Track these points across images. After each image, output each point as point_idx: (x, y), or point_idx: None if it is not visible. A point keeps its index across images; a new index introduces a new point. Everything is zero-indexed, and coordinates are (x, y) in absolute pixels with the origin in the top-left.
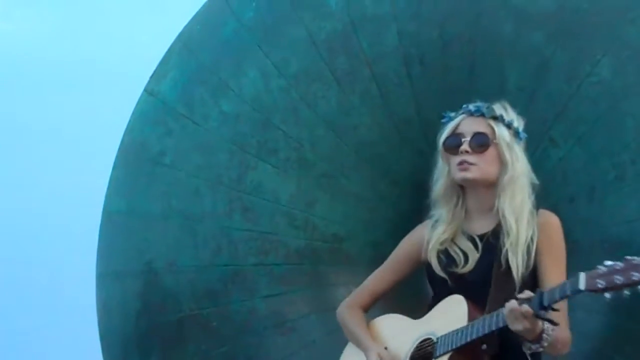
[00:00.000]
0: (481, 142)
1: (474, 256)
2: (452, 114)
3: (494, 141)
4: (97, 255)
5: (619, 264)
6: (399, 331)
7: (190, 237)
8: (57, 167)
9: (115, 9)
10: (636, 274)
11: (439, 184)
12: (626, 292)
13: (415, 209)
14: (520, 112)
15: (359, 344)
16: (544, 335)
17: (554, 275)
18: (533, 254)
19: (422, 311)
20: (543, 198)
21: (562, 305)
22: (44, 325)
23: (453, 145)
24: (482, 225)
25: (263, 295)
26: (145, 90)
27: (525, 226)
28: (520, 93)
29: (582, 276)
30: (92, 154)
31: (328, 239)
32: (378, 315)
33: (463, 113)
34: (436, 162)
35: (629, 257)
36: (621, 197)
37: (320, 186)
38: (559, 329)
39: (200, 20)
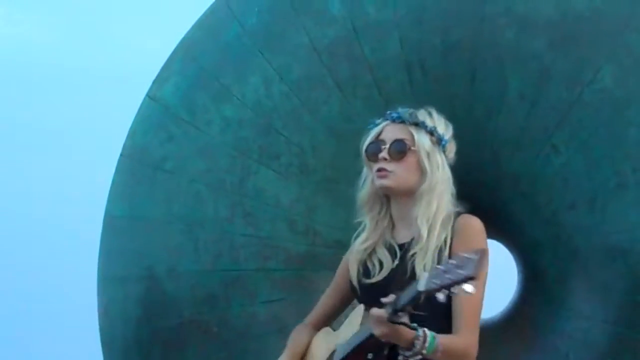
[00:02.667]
0: (399, 149)
1: (388, 265)
2: (378, 121)
3: (412, 148)
4: (99, 259)
5: (453, 262)
6: (322, 345)
7: (192, 242)
8: (59, 171)
9: (118, 14)
10: (461, 271)
11: (363, 191)
12: (454, 290)
13: None
14: (522, 119)
15: None
16: (416, 342)
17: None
18: (445, 260)
19: None
20: (544, 204)
21: (465, 310)
22: (45, 330)
23: (373, 151)
24: (404, 235)
25: (263, 301)
26: (147, 95)
27: (438, 232)
28: (522, 100)
29: (425, 276)
30: (93, 159)
31: (330, 245)
32: None
33: (387, 119)
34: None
35: (463, 254)
36: (622, 205)
37: (321, 192)
38: (451, 338)
39: (202, 25)
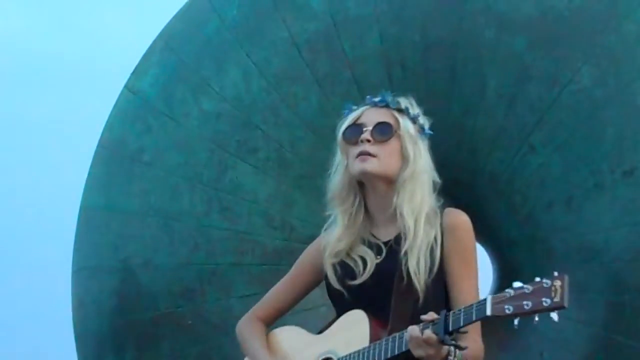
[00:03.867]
0: (384, 132)
1: (372, 263)
2: (355, 107)
3: (398, 132)
4: (74, 251)
5: (528, 287)
6: (300, 347)
7: (168, 235)
8: (35, 162)
9: (96, 3)
10: (546, 299)
11: (335, 181)
12: (536, 318)
13: None
14: (501, 118)
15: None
16: (450, 357)
17: (464, 281)
18: (438, 259)
19: (324, 325)
20: (521, 203)
21: None
22: (18, 322)
23: (353, 135)
24: (386, 231)
25: (239, 295)
26: (125, 87)
27: (426, 227)
28: (501, 99)
29: (489, 300)
30: (70, 150)
31: (306, 241)
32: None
33: (367, 104)
34: (334, 156)
35: (538, 279)
36: (599, 206)
37: (299, 187)
38: (469, 347)
39: (182, 18)
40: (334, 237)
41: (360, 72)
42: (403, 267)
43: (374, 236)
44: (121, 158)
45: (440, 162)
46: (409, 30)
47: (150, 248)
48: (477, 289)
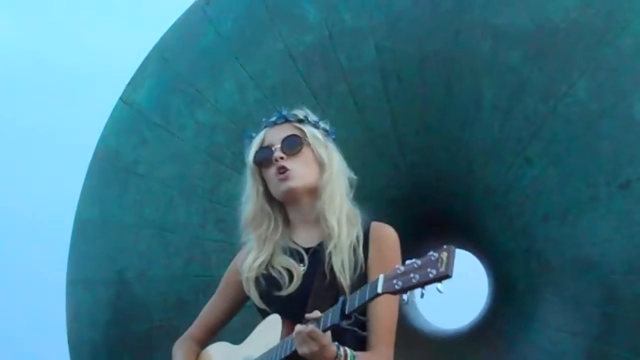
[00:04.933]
0: (293, 144)
1: (298, 272)
2: (254, 134)
3: (306, 139)
4: (68, 262)
5: (418, 262)
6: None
7: (163, 247)
8: (29, 172)
9: (92, 15)
10: (432, 270)
11: (247, 209)
12: (422, 290)
13: (389, 224)
14: (496, 130)
15: None
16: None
17: None
18: (361, 257)
19: None
20: (517, 216)
21: (382, 326)
22: (12, 332)
23: (264, 157)
24: (309, 238)
25: None
26: (120, 98)
27: (348, 226)
28: (496, 111)
29: (381, 278)
30: (65, 161)
31: None
32: None
33: (265, 127)
34: (243, 188)
35: (428, 253)
36: (594, 218)
37: None
38: (370, 356)
39: (178, 29)
40: (249, 261)
41: (356, 84)
42: (326, 267)
43: (295, 242)
44: (116, 170)
45: (436, 174)
46: (405, 43)
47: (145, 260)
48: (396, 300)
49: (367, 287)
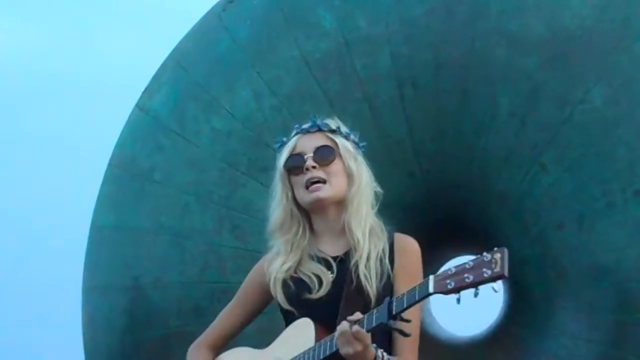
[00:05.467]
0: (326, 154)
1: (327, 279)
2: (285, 139)
3: (338, 151)
4: (84, 269)
5: (470, 263)
6: None
7: (179, 253)
8: (45, 179)
9: (108, 22)
10: (487, 270)
11: (276, 214)
12: (476, 290)
13: (404, 231)
14: (512, 137)
15: None
16: None
17: None
18: (387, 268)
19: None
20: (532, 223)
21: (412, 330)
22: (28, 338)
23: (296, 164)
24: (335, 247)
25: None
26: (136, 105)
27: (374, 239)
28: (512, 118)
29: (431, 279)
30: (81, 168)
31: None
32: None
33: (297, 133)
34: (271, 191)
35: (480, 254)
36: (610, 225)
37: None
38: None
39: (194, 37)
40: (278, 264)
41: (372, 91)
42: (353, 275)
43: (321, 252)
44: (132, 176)
45: (451, 181)
46: (420, 50)
47: (161, 266)
48: (420, 310)
49: (416, 288)
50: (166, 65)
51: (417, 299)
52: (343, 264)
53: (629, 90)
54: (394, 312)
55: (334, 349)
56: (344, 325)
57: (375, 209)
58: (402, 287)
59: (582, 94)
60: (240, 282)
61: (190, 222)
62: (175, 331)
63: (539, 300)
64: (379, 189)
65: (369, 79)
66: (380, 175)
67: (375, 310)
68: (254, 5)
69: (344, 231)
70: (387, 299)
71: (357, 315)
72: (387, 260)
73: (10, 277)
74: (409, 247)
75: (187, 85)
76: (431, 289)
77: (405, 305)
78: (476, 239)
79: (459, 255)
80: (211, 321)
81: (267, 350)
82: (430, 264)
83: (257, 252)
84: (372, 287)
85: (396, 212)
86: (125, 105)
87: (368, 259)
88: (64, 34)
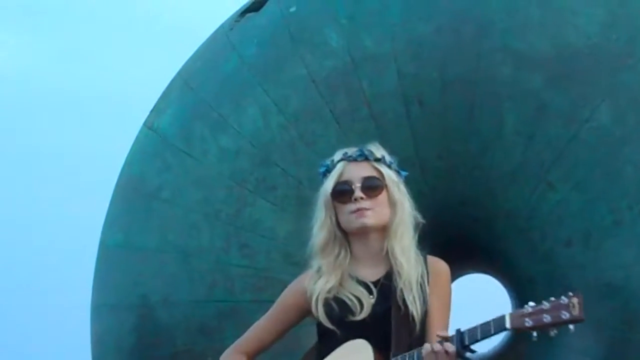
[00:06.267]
0: (373, 186)
1: (368, 302)
2: (328, 162)
3: (385, 182)
4: (93, 288)
5: (546, 304)
6: None
7: (186, 272)
8: (54, 197)
9: (115, 41)
10: (565, 313)
11: (321, 236)
12: (554, 331)
13: None
14: (519, 155)
15: None
16: None
17: (440, 320)
18: (427, 292)
19: (305, 356)
20: (539, 240)
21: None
22: (37, 357)
23: (344, 193)
24: (374, 272)
25: None
26: (144, 124)
27: (415, 265)
28: (518, 136)
29: (508, 315)
30: (88, 188)
31: None
32: None
33: (342, 160)
34: (314, 213)
35: (553, 298)
36: (618, 243)
37: None
38: None
39: (201, 55)
40: (321, 284)
41: (378, 109)
42: (399, 300)
43: (360, 276)
44: (140, 195)
45: (458, 199)
46: (426, 68)
47: (168, 285)
48: (448, 327)
49: (491, 323)
50: (173, 84)
51: (492, 332)
52: (384, 288)
53: (636, 108)
54: (466, 343)
55: None
56: (436, 345)
57: (416, 236)
58: (434, 308)
59: (588, 112)
60: (248, 301)
61: (198, 241)
62: (182, 349)
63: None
64: (419, 218)
65: (376, 97)
66: None
67: (453, 336)
68: (261, 24)
69: (382, 257)
70: (456, 330)
71: (445, 332)
72: (426, 286)
73: (13, 299)
74: (443, 270)
75: (195, 103)
76: (508, 325)
77: (479, 338)
78: (484, 255)
79: (467, 273)
80: (220, 339)
81: None
82: None
83: (264, 270)
84: (417, 312)
85: None
86: (133, 124)
87: (412, 284)
88: (71, 52)
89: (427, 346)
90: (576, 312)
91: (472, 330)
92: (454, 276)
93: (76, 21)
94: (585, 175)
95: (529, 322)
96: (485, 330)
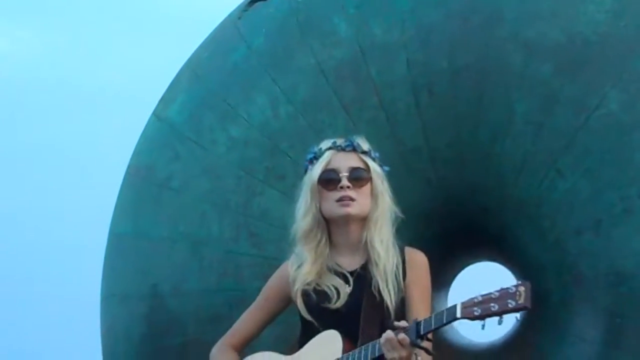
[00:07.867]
0: (360, 177)
1: (344, 290)
2: (316, 149)
3: (370, 174)
4: (102, 277)
5: (495, 293)
6: None
7: (196, 261)
8: (62, 189)
9: (124, 31)
10: (512, 301)
11: (305, 222)
12: (500, 319)
13: (422, 238)
14: (528, 143)
15: None
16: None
17: (421, 309)
18: (402, 282)
19: (290, 348)
20: (549, 229)
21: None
22: (47, 347)
23: (331, 181)
24: (351, 262)
25: None
26: (153, 114)
27: (391, 255)
28: (528, 124)
29: (459, 305)
30: (99, 176)
31: None
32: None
33: (331, 148)
34: (298, 198)
35: (505, 287)
36: (628, 230)
37: None
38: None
39: (209, 45)
40: (303, 271)
41: (388, 98)
42: (375, 291)
43: (339, 265)
44: (149, 185)
45: (468, 188)
46: (436, 56)
47: (178, 274)
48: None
49: (444, 312)
50: (182, 73)
51: (444, 322)
52: (359, 278)
53: None
54: (422, 333)
55: (377, 354)
56: (390, 334)
57: (394, 228)
58: (414, 299)
59: (598, 99)
60: (258, 290)
61: (208, 230)
62: (193, 338)
63: (556, 306)
64: (397, 211)
65: (385, 86)
66: (396, 182)
67: (411, 325)
68: (270, 14)
69: (360, 247)
70: (414, 320)
71: (403, 323)
72: (400, 275)
73: (23, 289)
74: (419, 260)
75: (204, 93)
76: (459, 315)
77: (433, 327)
78: (493, 244)
79: (476, 262)
80: (229, 328)
81: (293, 357)
82: (447, 271)
83: (274, 259)
84: (391, 301)
85: (413, 219)
86: (141, 113)
87: (387, 274)
88: (80, 44)
89: (384, 335)
90: (522, 300)
91: (427, 320)
92: (463, 265)
93: (83, 12)
94: (595, 163)
95: (477, 311)
96: (438, 320)
